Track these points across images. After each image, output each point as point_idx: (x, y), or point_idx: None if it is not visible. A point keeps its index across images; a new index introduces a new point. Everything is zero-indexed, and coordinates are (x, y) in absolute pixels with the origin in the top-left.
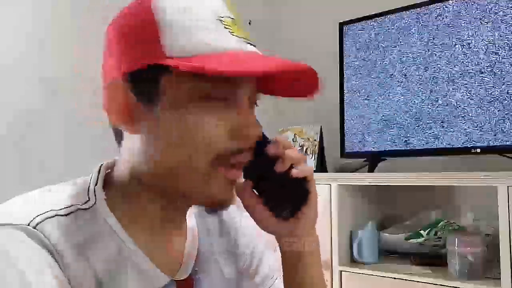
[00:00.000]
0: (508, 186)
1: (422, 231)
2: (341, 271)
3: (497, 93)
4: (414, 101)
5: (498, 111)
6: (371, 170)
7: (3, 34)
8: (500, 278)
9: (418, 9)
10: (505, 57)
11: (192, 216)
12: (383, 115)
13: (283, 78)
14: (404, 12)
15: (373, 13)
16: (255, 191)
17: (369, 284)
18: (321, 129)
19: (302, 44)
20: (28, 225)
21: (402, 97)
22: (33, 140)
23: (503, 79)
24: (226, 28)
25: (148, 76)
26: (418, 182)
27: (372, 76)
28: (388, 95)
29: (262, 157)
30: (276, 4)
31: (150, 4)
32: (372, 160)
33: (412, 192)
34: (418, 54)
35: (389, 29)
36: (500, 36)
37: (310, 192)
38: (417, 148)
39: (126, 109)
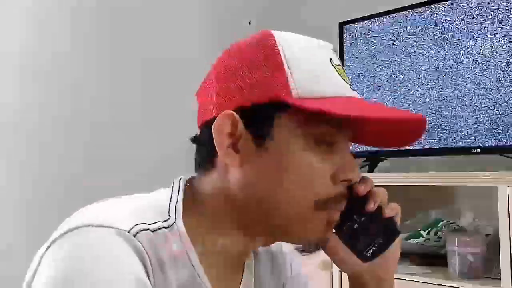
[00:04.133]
0: (508, 186)
1: (422, 231)
2: (341, 271)
3: (497, 93)
4: (414, 101)
5: (498, 111)
6: (371, 170)
7: None
8: (500, 278)
9: (418, 9)
10: (505, 56)
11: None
12: None
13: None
14: (404, 12)
15: (373, 13)
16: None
17: None
18: None
19: None
20: (128, 232)
21: (402, 97)
22: None
23: (503, 79)
24: (338, 73)
25: (265, 112)
26: (418, 182)
27: (372, 76)
28: (388, 95)
29: (350, 196)
30: (277, 4)
31: (275, 43)
32: (372, 160)
33: (412, 192)
34: (418, 54)
35: (389, 29)
36: (500, 36)
37: (399, 232)
38: (417, 148)
39: (236, 140)
